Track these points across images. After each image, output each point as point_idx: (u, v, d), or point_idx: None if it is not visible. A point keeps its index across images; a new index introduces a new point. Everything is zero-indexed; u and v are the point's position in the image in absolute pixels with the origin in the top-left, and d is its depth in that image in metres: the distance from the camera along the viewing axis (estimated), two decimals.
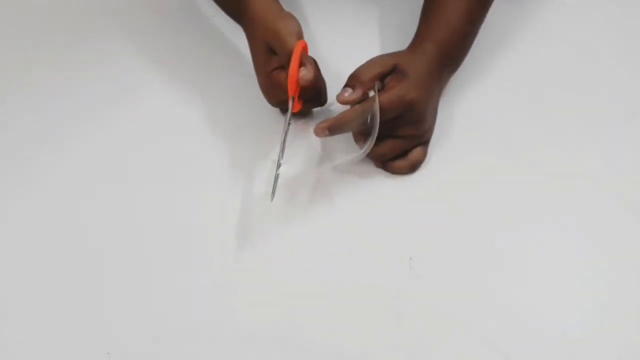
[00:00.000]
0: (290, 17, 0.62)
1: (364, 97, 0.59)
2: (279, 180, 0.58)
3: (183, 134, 0.68)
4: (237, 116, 0.68)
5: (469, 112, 0.67)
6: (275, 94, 0.64)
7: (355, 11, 0.78)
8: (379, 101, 0.57)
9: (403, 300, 0.55)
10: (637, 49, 0.73)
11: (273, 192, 0.58)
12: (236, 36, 0.66)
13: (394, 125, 0.60)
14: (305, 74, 0.59)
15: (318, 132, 0.58)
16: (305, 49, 0.61)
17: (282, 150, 0.59)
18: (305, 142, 0.66)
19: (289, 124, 0.61)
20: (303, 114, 0.67)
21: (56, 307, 0.56)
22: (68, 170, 0.65)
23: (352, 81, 0.60)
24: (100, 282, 0.57)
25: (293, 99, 0.61)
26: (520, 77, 0.70)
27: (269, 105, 0.67)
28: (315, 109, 0.68)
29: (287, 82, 0.60)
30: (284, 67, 0.61)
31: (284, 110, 0.68)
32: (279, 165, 0.58)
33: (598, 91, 0.69)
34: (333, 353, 0.53)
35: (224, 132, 0.67)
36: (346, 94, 0.59)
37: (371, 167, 0.63)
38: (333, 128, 0.58)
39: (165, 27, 0.78)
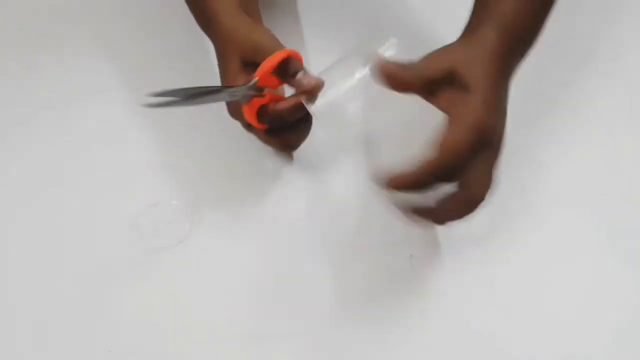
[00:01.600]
0: (265, 28, 0.57)
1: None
2: None
3: (180, 132, 0.67)
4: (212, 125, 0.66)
5: None
6: (231, 114, 0.56)
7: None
8: (445, 143, 0.45)
9: (403, 298, 0.55)
10: None
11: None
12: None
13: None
14: (305, 76, 0.52)
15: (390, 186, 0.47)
16: (296, 56, 0.54)
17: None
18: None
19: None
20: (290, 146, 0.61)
21: (57, 305, 0.56)
22: (67, 165, 0.65)
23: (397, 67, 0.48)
24: (100, 280, 0.58)
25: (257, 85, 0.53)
26: (533, 81, 0.69)
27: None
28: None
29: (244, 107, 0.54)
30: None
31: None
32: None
33: (614, 100, 0.67)
34: (332, 351, 0.53)
35: (222, 131, 0.66)
36: (390, 63, 0.48)
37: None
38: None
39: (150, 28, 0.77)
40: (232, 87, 0.53)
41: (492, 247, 0.58)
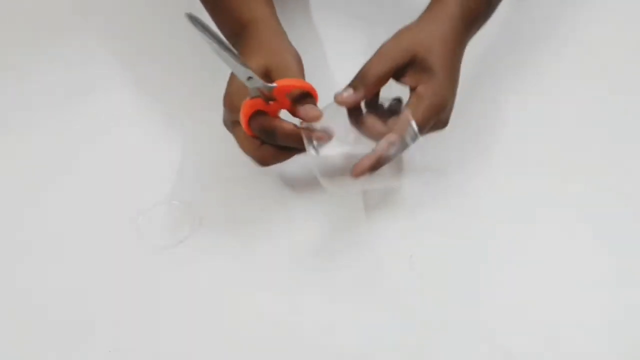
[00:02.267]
0: (298, 56, 0.57)
1: (375, 102, 0.54)
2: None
3: (180, 132, 0.67)
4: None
5: (471, 114, 0.66)
6: (236, 106, 0.54)
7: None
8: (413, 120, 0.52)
9: (403, 298, 0.55)
10: None
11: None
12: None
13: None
14: (312, 109, 0.52)
15: (358, 174, 0.52)
16: (315, 95, 0.54)
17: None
18: None
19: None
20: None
21: (56, 305, 0.56)
22: (66, 165, 0.65)
23: (356, 81, 0.54)
24: (100, 280, 0.57)
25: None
26: (526, 79, 0.70)
27: None
28: None
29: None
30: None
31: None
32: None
33: (608, 95, 0.68)
34: (333, 352, 0.53)
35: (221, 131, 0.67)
36: (345, 94, 0.53)
37: None
38: (375, 167, 0.52)
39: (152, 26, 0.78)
40: (251, 70, 0.51)
41: (491, 247, 0.58)
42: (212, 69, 0.70)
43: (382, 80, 0.54)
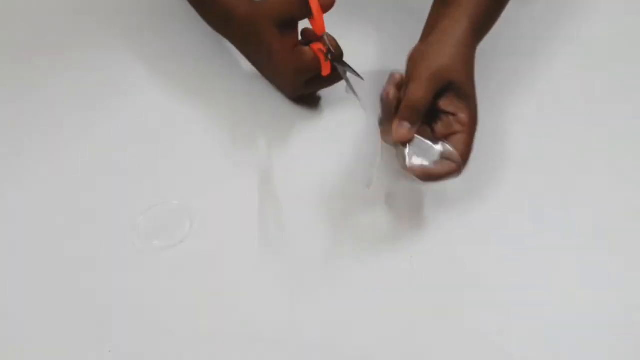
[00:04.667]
0: None
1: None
2: None
3: (180, 132, 0.67)
4: (234, 114, 0.68)
5: None
6: (305, 70, 0.62)
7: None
8: (463, 154, 0.54)
9: (403, 298, 0.56)
10: None
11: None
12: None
13: None
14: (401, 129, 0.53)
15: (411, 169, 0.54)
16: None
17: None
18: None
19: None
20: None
21: (56, 305, 0.56)
22: (67, 166, 0.65)
23: (409, 114, 0.54)
24: (100, 280, 0.57)
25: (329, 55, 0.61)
26: (526, 82, 0.70)
27: (267, 103, 0.66)
28: None
29: (313, 54, 0.61)
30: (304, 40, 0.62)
31: (306, 102, 0.66)
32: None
33: (608, 97, 0.69)
34: (333, 352, 0.53)
35: (222, 131, 0.67)
36: (405, 131, 0.53)
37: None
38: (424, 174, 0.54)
39: (162, 26, 0.78)
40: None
41: (492, 247, 0.58)
42: (215, 71, 0.71)
43: (428, 107, 0.55)
